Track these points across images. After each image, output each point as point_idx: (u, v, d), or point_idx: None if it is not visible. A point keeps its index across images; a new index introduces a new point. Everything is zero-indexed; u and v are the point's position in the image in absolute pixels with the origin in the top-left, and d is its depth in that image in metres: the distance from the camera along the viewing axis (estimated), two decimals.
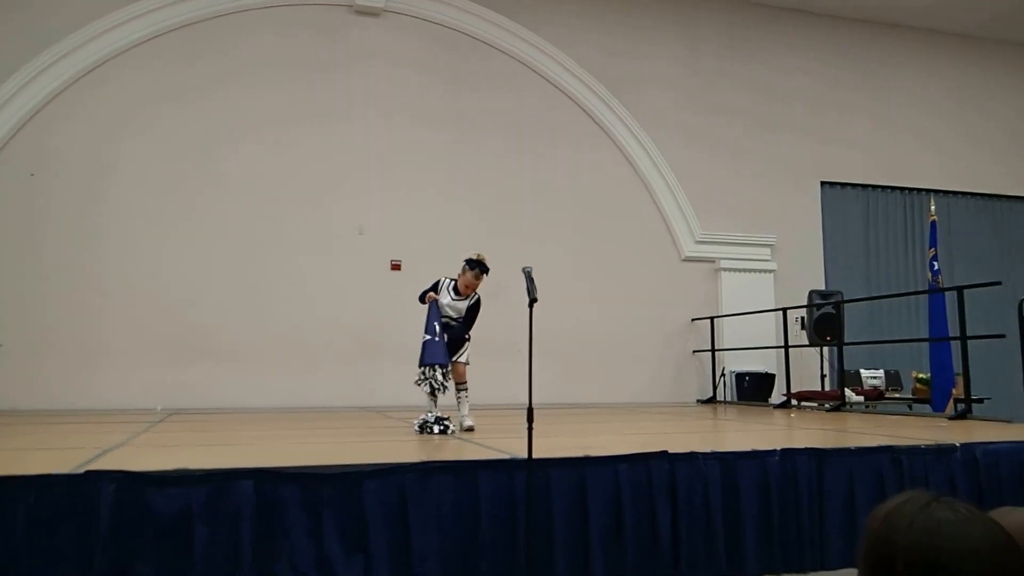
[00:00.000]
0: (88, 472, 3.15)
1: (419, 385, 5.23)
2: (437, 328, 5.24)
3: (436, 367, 5.16)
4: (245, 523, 3.22)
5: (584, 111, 10.14)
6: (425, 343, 5.22)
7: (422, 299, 5.46)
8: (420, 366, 5.21)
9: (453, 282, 5.51)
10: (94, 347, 8.32)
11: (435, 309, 5.32)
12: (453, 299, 5.48)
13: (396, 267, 9.19)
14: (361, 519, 3.40)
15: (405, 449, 4.46)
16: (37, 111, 8.45)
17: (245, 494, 3.25)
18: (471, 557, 3.55)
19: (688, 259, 10.32)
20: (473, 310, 5.62)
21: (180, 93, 8.93)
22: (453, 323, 5.47)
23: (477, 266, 5.43)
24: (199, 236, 8.78)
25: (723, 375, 9.92)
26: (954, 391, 8.02)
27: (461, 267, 5.48)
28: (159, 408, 7.99)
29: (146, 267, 8.60)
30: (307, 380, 8.66)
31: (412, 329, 8.82)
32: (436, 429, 5.14)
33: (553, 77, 10.02)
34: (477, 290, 5.57)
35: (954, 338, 7.42)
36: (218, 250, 8.81)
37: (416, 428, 5.24)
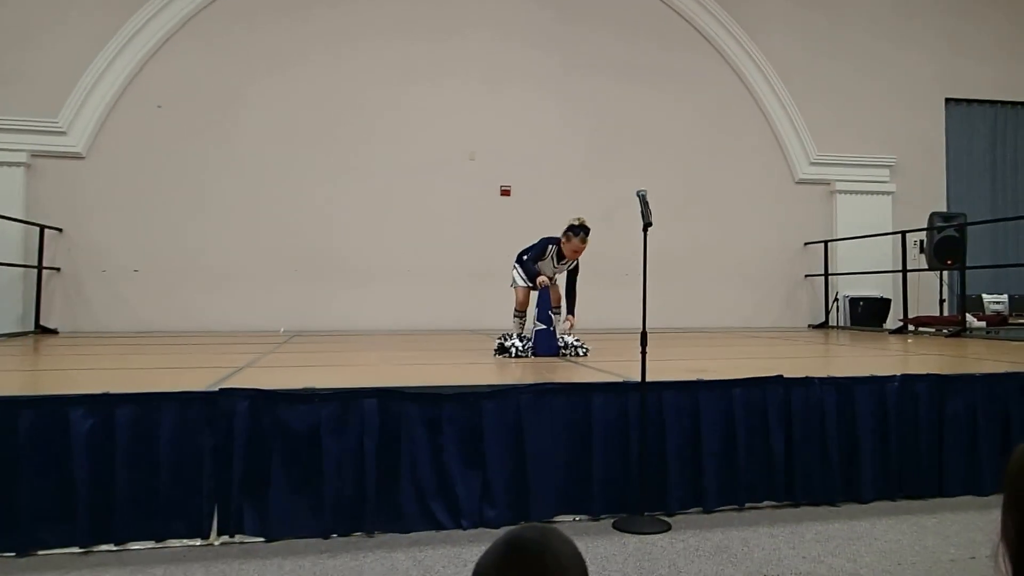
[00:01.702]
0: (222, 390, 3.37)
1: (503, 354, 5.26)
2: (552, 317, 5.28)
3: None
4: (369, 439, 3.40)
5: (696, 29, 9.77)
6: (538, 332, 5.25)
7: (532, 275, 5.39)
8: (533, 355, 5.20)
9: (557, 248, 5.39)
10: (222, 272, 8.75)
11: (547, 297, 5.30)
12: (556, 267, 5.46)
13: (506, 193, 9.27)
14: (479, 437, 3.52)
15: (520, 371, 4.56)
16: (164, 42, 8.75)
17: (370, 412, 3.41)
18: (585, 477, 3.65)
19: (802, 181, 9.96)
20: (574, 274, 5.54)
21: (303, 23, 9.08)
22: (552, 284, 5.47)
23: (582, 231, 5.29)
24: (322, 163, 9.02)
25: (836, 300, 9.64)
26: None
27: (564, 234, 5.33)
28: (283, 330, 8.40)
29: (272, 194, 8.92)
30: (421, 303, 8.93)
31: (514, 251, 8.98)
32: (514, 352, 5.18)
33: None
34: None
35: None
36: (340, 177, 9.04)
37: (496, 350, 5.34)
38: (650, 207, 3.78)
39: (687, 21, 9.74)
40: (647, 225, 3.73)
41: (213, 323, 8.55)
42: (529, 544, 1.13)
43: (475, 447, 3.52)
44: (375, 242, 9.03)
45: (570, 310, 5.50)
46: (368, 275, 8.95)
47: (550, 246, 5.43)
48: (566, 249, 5.34)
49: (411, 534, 3.39)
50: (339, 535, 3.35)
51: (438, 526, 3.42)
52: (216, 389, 3.36)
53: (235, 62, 8.92)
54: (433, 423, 3.49)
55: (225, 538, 3.25)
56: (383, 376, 4.25)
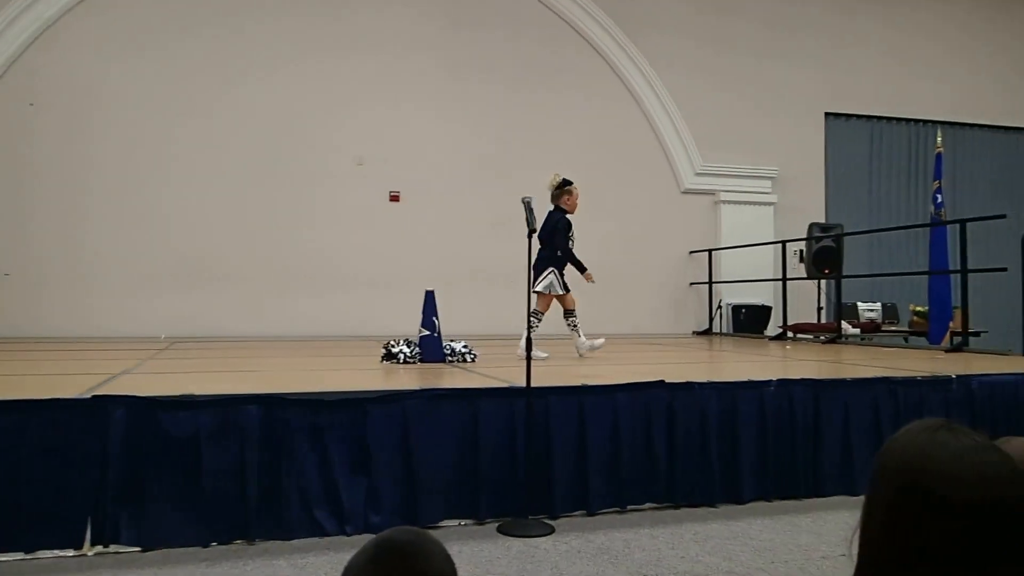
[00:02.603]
0: (96, 397, 3.21)
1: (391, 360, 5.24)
2: (436, 323, 5.24)
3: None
4: (251, 446, 3.31)
5: (587, 40, 9.94)
6: (424, 339, 5.22)
7: (582, 266, 5.94)
8: (420, 361, 5.17)
9: (563, 212, 5.92)
10: (94, 276, 8.35)
11: (432, 303, 5.26)
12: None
13: (395, 198, 9.15)
14: (365, 443, 3.47)
15: (407, 377, 4.53)
16: (35, 39, 8.29)
17: (251, 419, 3.32)
18: (471, 481, 3.64)
19: (688, 191, 10.27)
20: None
21: (178, 23, 8.74)
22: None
23: (570, 181, 6.03)
24: (198, 166, 8.72)
25: (720, 307, 9.98)
26: (952, 324, 8.08)
27: (564, 192, 5.97)
28: (164, 336, 8.07)
29: (144, 196, 8.56)
30: (308, 309, 8.72)
31: (410, 259, 8.95)
32: (401, 358, 5.17)
33: (556, 7, 9.79)
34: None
35: (955, 271, 7.45)
36: (217, 181, 8.75)
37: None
38: (535, 214, 3.81)
39: (577, 32, 9.90)
40: (532, 231, 3.76)
41: (86, 329, 8.14)
42: (398, 545, 1.13)
43: (361, 453, 3.47)
44: (261, 248, 8.77)
45: (582, 270, 5.96)
46: (254, 282, 8.69)
47: (560, 216, 5.93)
48: (572, 204, 5.99)
49: (294, 541, 3.33)
50: (219, 543, 3.26)
51: (322, 532, 3.37)
52: (89, 396, 3.23)
53: (106, 60, 8.52)
54: (317, 429, 3.43)
55: (99, 548, 3.13)
56: (268, 383, 4.14)
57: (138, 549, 3.16)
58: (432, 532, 3.48)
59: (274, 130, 8.89)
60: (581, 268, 5.90)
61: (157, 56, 8.69)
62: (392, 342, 5.29)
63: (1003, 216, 7.07)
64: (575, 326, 6.03)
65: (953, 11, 11.60)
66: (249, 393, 3.40)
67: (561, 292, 5.87)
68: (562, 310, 5.98)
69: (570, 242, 5.90)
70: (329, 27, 9.11)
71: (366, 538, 3.49)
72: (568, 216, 5.95)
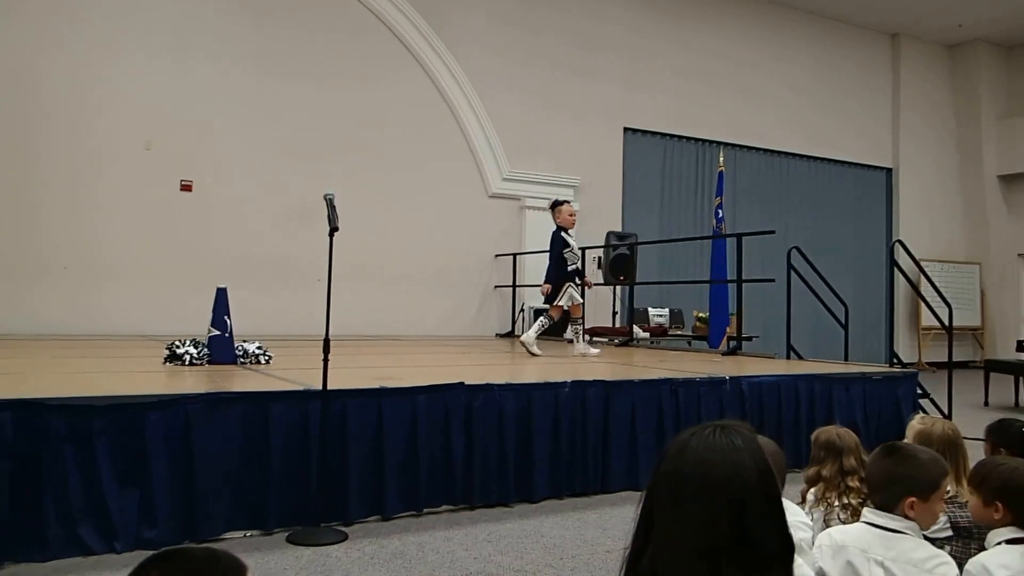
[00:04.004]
0: None
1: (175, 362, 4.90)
2: (228, 322, 4.94)
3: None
4: (3, 459, 2.95)
5: (400, 40, 9.81)
6: (214, 339, 4.90)
7: (581, 274, 6.79)
8: (209, 362, 4.87)
9: (564, 230, 6.65)
10: None
11: (223, 300, 4.94)
12: (574, 241, 6.79)
13: (187, 188, 8.54)
14: (140, 452, 3.21)
15: (192, 380, 4.24)
16: None
17: (2, 428, 2.96)
18: (260, 490, 3.47)
19: (495, 196, 10.43)
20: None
21: None
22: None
23: (563, 200, 6.89)
24: None
25: (522, 310, 10.21)
26: (728, 329, 8.76)
27: (556, 210, 6.73)
28: None
29: None
30: (84, 306, 7.93)
31: (202, 253, 8.42)
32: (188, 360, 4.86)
33: (370, 3, 9.60)
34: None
35: (730, 281, 8.09)
36: None
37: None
38: (337, 211, 3.70)
39: (391, 31, 9.76)
40: (333, 229, 3.65)
41: None
42: (180, 564, 1.08)
43: (135, 463, 3.20)
44: (33, 237, 7.86)
45: (561, 280, 6.64)
46: (22, 274, 7.77)
47: (562, 234, 6.66)
48: (565, 220, 6.68)
49: (54, 562, 3.04)
50: None
51: (87, 551, 3.09)
52: None
53: None
54: (83, 438, 3.12)
55: None
56: (27, 386, 3.72)
57: None
58: (216, 545, 3.25)
59: (49, 109, 8.03)
60: (560, 278, 6.63)
61: None
62: (178, 342, 4.92)
63: (772, 232, 7.78)
64: (577, 332, 6.95)
65: (736, 38, 12.58)
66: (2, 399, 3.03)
67: (579, 303, 6.72)
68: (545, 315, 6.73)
69: (569, 254, 6.62)
70: (124, 3, 8.37)
71: (140, 556, 3.21)
72: (564, 232, 6.67)
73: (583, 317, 7.09)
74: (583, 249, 9.32)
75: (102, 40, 8.24)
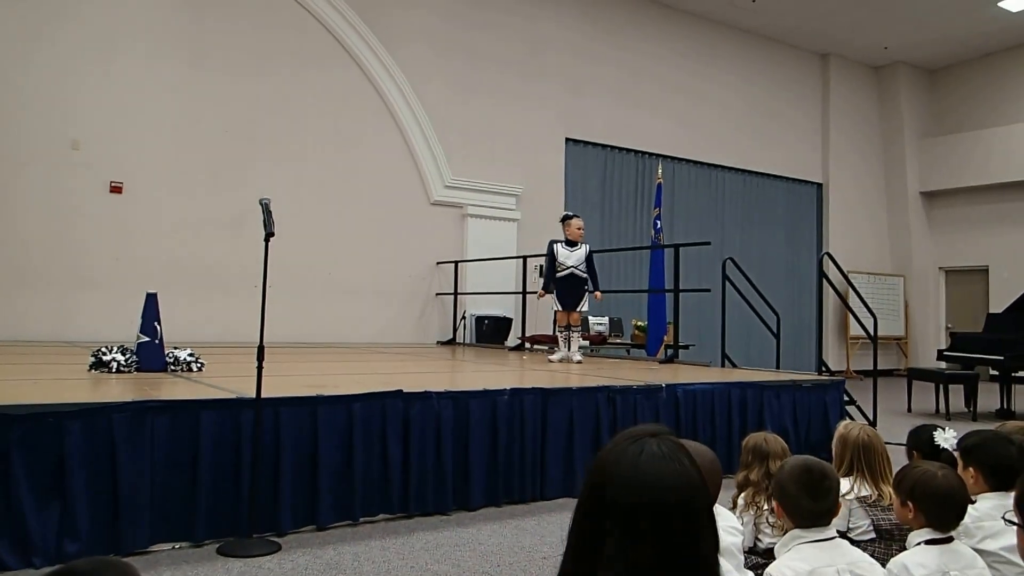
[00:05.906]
0: None
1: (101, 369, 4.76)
2: (158, 329, 4.82)
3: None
4: None
5: (340, 44, 9.69)
6: (142, 345, 4.77)
7: (547, 285, 7.08)
8: (137, 370, 4.74)
9: (563, 240, 6.99)
10: None
11: (153, 305, 4.80)
12: (571, 252, 6.94)
13: (117, 190, 8.28)
14: (60, 464, 3.09)
15: (118, 388, 4.11)
16: None
17: None
18: (189, 501, 3.38)
19: (437, 203, 10.39)
20: (591, 261, 7.03)
21: None
22: (578, 272, 6.91)
23: (571, 215, 7.15)
24: None
25: (464, 318, 10.19)
26: (665, 338, 8.89)
27: (568, 226, 7.01)
28: None
29: None
30: (3, 310, 7.63)
31: (131, 257, 8.18)
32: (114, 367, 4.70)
33: (309, 4, 9.48)
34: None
35: (668, 290, 8.21)
36: None
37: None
38: (273, 217, 3.64)
39: (332, 34, 9.66)
40: (269, 235, 3.59)
41: None
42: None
43: (54, 475, 3.09)
44: None
45: (595, 287, 7.00)
46: None
47: (556, 245, 7.01)
48: (571, 234, 6.96)
49: None
50: None
51: (2, 567, 2.96)
52: None
53: None
54: None
55: None
56: None
57: None
58: (142, 558, 3.17)
59: None
60: (546, 285, 7.12)
61: None
62: (104, 349, 4.77)
63: (708, 243, 7.94)
64: (568, 338, 7.11)
65: (676, 55, 12.81)
66: None
67: (557, 308, 7.11)
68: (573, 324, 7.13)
69: (556, 264, 6.96)
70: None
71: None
72: (560, 243, 7.01)
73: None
74: (524, 257, 9.39)
75: (24, 32, 7.95)
